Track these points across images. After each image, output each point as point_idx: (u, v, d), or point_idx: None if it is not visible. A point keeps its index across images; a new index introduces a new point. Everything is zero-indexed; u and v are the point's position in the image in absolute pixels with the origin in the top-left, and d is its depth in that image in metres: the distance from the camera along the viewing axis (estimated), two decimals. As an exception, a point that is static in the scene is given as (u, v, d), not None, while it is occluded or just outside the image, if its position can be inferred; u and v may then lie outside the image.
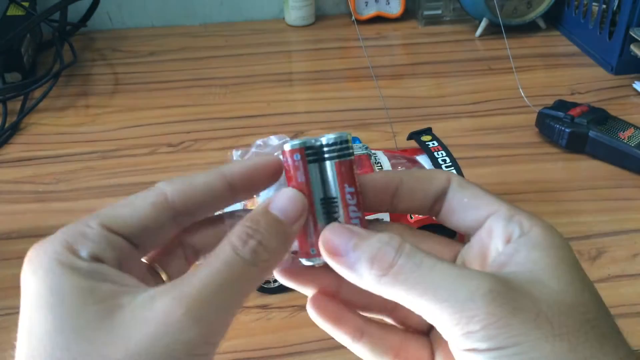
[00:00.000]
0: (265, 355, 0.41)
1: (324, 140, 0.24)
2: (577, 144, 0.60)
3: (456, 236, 0.43)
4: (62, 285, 0.19)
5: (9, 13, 0.84)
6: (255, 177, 0.24)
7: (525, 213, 0.23)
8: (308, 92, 0.76)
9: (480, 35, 0.89)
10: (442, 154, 0.50)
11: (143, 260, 0.24)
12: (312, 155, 0.24)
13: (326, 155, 0.24)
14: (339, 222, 0.24)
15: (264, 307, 0.45)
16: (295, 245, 0.25)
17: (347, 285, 0.23)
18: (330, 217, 0.24)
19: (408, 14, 0.96)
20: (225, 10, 0.97)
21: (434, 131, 0.54)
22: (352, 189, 0.24)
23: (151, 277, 0.24)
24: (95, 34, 0.95)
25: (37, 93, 0.74)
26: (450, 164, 0.48)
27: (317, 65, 0.83)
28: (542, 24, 0.89)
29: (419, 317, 0.21)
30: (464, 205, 0.24)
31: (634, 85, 0.73)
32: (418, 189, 0.25)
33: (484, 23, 0.87)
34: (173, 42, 0.91)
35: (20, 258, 0.21)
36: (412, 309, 0.21)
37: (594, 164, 0.60)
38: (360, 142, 0.49)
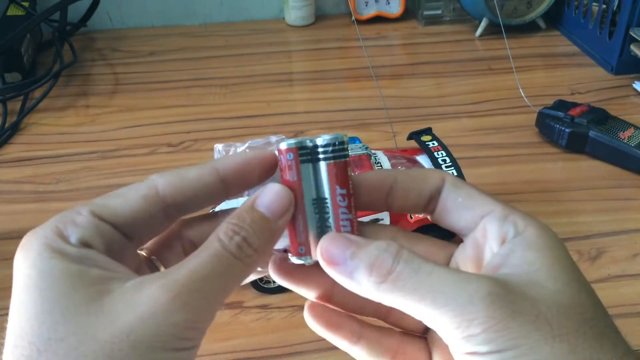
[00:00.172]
0: (265, 355, 0.41)
1: (319, 141, 0.24)
2: (577, 144, 0.60)
3: (455, 237, 0.43)
4: (51, 268, 0.20)
5: (9, 13, 0.84)
6: (248, 172, 0.24)
7: (520, 213, 0.23)
8: (308, 92, 0.76)
9: (480, 35, 0.89)
10: (442, 154, 0.50)
11: (142, 253, 0.25)
12: (305, 155, 0.24)
13: (320, 156, 0.24)
14: (329, 222, 0.24)
15: (264, 307, 0.45)
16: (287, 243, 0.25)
17: (340, 288, 0.23)
18: (321, 217, 0.24)
19: (408, 14, 0.96)
20: (226, 10, 0.97)
21: (434, 131, 0.54)
22: (344, 191, 0.24)
23: (149, 271, 0.24)
24: (95, 34, 0.95)
25: (37, 93, 0.75)
26: (450, 164, 0.48)
27: (317, 65, 0.83)
28: (542, 24, 0.89)
29: (414, 319, 0.21)
30: (458, 205, 0.24)
31: (634, 85, 0.73)
32: (412, 188, 0.25)
33: (484, 23, 0.87)
34: (173, 42, 0.91)
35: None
36: (412, 314, 0.21)
37: (594, 164, 0.60)
38: (360, 142, 0.49)
